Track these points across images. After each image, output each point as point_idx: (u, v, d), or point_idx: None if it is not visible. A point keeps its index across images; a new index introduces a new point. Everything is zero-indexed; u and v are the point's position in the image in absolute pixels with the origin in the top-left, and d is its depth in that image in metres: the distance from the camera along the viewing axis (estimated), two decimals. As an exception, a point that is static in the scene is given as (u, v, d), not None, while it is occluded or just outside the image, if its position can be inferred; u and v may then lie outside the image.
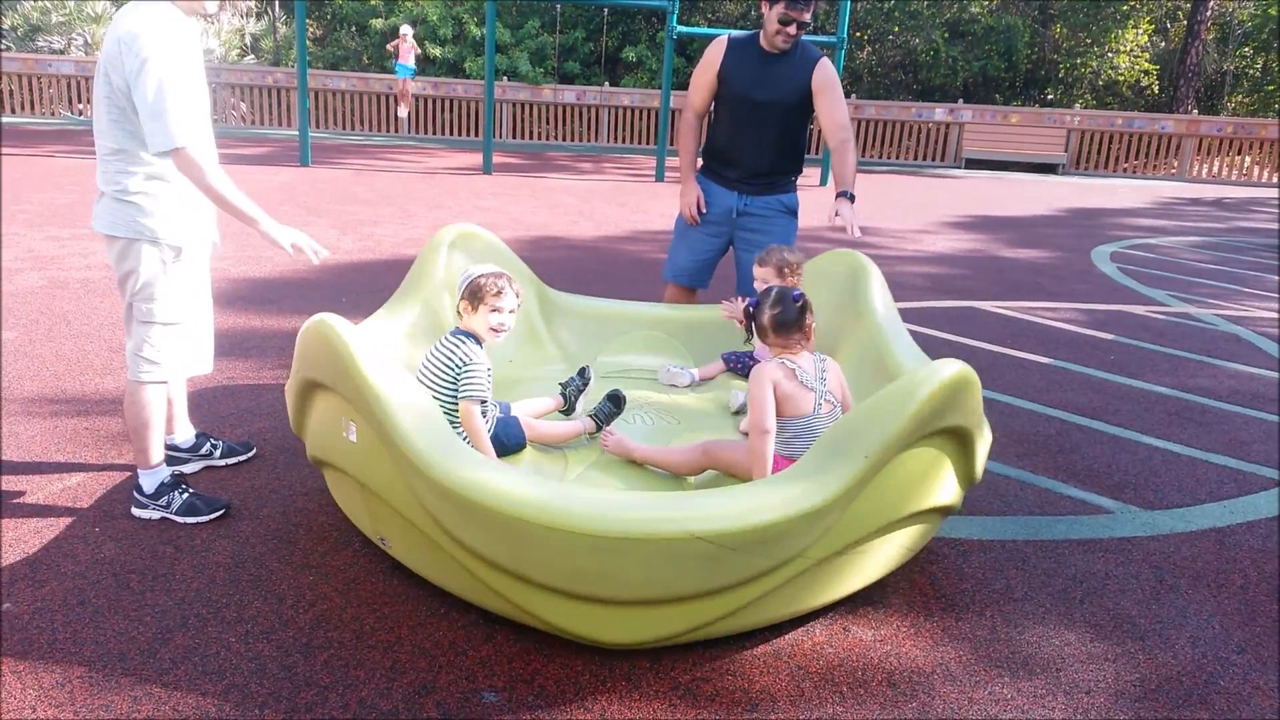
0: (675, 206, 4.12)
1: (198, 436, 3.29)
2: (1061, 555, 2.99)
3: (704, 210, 3.99)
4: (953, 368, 2.34)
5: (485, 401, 2.79)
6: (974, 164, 18.28)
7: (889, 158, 18.56)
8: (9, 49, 18.28)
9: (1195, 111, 21.10)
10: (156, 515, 2.88)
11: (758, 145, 3.87)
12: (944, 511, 2.67)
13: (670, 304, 4.17)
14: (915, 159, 18.54)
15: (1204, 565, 2.98)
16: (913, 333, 5.55)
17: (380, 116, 18.05)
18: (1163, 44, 23.02)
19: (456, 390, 2.75)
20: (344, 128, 18.07)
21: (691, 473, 2.81)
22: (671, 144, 13.70)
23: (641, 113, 18.36)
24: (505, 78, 18.65)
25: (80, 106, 16.98)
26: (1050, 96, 22.47)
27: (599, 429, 3.07)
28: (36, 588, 2.50)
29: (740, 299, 3.82)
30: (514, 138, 18.40)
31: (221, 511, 2.92)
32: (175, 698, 2.10)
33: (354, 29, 21.12)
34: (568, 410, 3.26)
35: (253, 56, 22.77)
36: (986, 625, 2.57)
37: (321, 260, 2.89)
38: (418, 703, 2.13)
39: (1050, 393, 4.64)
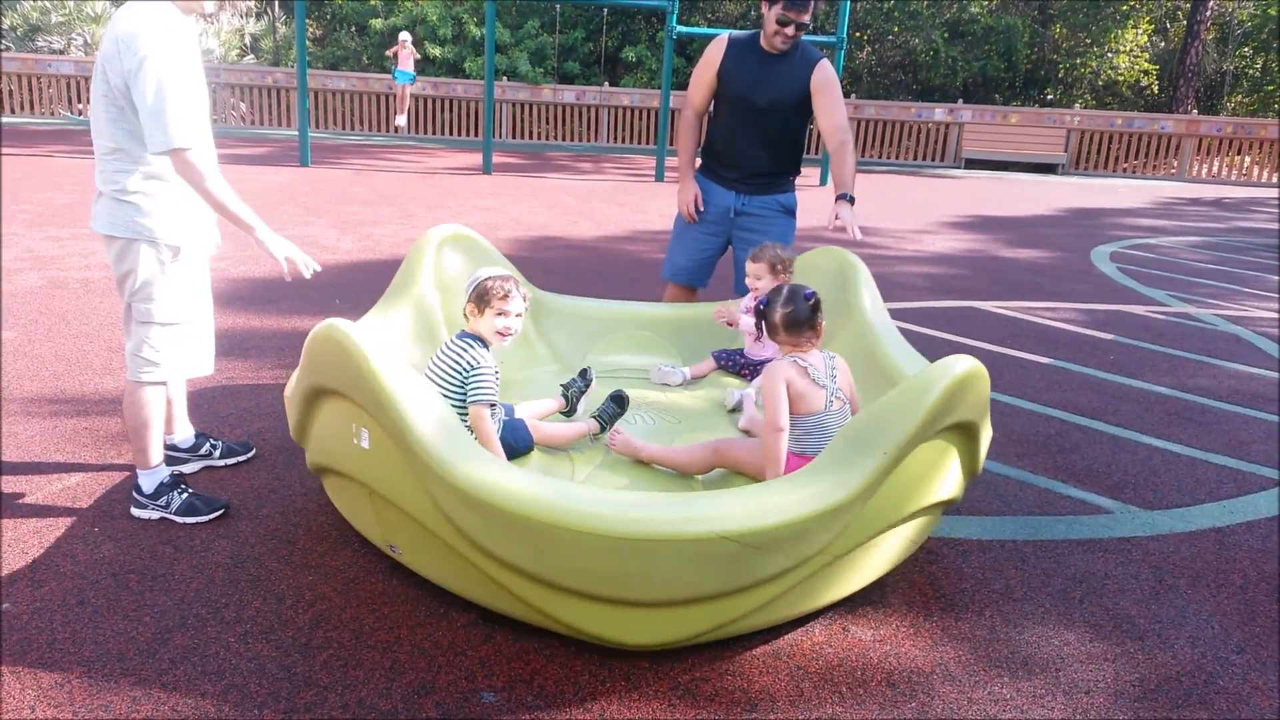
0: (675, 206, 4.12)
1: (197, 437, 3.29)
2: (1061, 555, 2.99)
3: (701, 209, 3.99)
4: (965, 364, 2.37)
5: (494, 405, 2.78)
6: (973, 164, 18.28)
7: (888, 158, 18.56)
8: (9, 49, 18.28)
9: (1195, 111, 21.10)
10: (156, 515, 2.88)
11: (756, 145, 3.87)
12: (947, 504, 2.70)
13: (656, 303, 4.18)
14: (915, 159, 18.54)
15: (1203, 565, 2.98)
16: (912, 332, 5.59)
17: (380, 117, 18.05)
18: (1162, 44, 23.03)
19: (464, 393, 2.74)
20: (344, 128, 18.07)
21: (700, 471, 2.81)
22: (671, 144, 13.70)
23: (641, 113, 18.37)
24: (505, 78, 18.65)
25: (80, 106, 16.97)
26: (1050, 96, 22.47)
27: (603, 430, 3.07)
28: (36, 588, 2.49)
29: (736, 304, 3.82)
30: (514, 138, 18.41)
31: (221, 511, 2.92)
32: (174, 698, 2.10)
33: (354, 29, 21.13)
34: (569, 411, 3.25)
35: (252, 56, 22.77)
36: (986, 625, 2.57)
37: (314, 270, 2.89)
38: (417, 703, 2.12)
39: (1050, 393, 4.64)
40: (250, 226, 2.76)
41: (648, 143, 18.21)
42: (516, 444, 2.83)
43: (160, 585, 2.54)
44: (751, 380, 3.63)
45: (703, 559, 2.08)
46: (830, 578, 2.40)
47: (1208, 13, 20.40)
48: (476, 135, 18.12)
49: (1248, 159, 18.23)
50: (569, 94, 18.36)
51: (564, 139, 18.56)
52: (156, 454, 2.90)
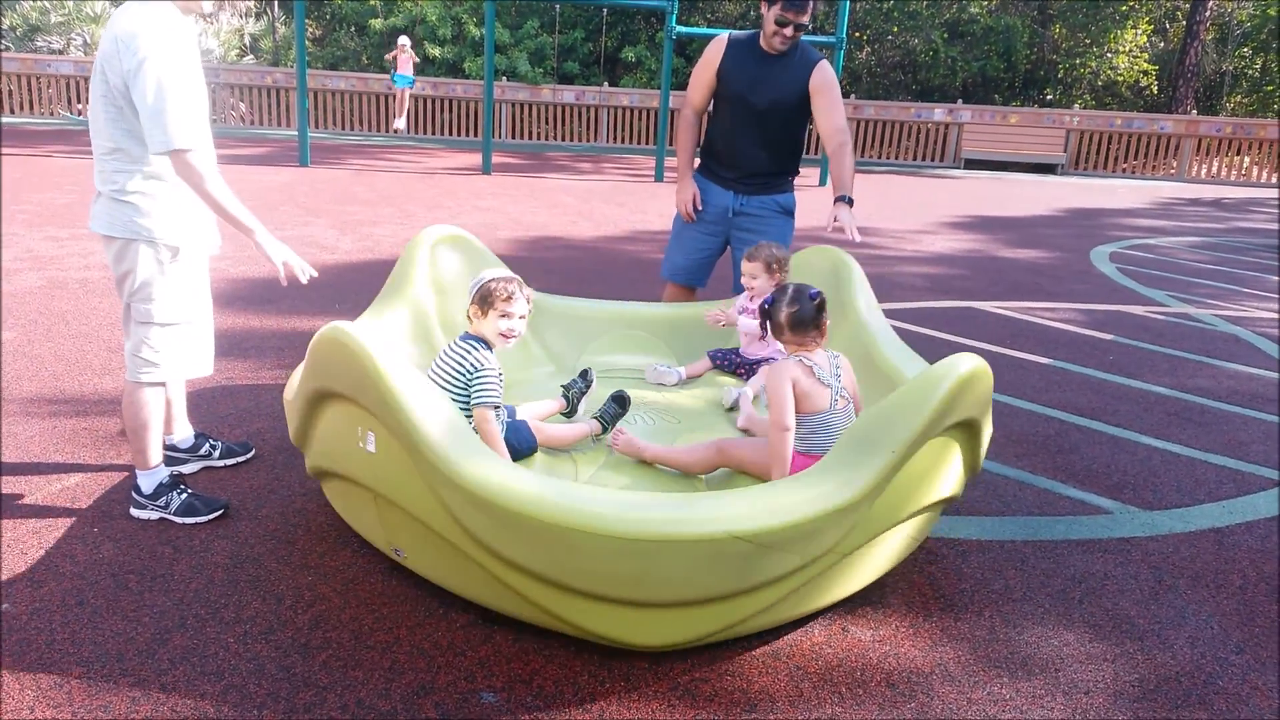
0: (674, 206, 4.12)
1: (197, 437, 3.29)
2: (1060, 555, 2.99)
3: (700, 208, 4.00)
4: (970, 362, 2.39)
5: (498, 407, 2.77)
6: (973, 164, 18.28)
7: (888, 158, 18.56)
8: (8, 49, 18.27)
9: (1194, 112, 21.11)
10: (155, 516, 2.88)
11: (754, 145, 3.87)
12: (948, 501, 2.72)
13: (650, 303, 4.18)
14: (914, 159, 18.55)
15: (1203, 565, 2.98)
16: (912, 333, 5.59)
17: (379, 117, 18.05)
18: (1162, 44, 23.04)
19: (468, 395, 2.72)
20: (343, 128, 18.07)
21: (704, 471, 2.81)
22: (671, 144, 13.70)
23: (640, 113, 18.37)
24: (504, 78, 18.66)
25: (79, 107, 16.97)
26: (1049, 97, 22.48)
27: (605, 430, 3.06)
28: (35, 588, 2.49)
29: (731, 304, 3.82)
30: (513, 138, 18.41)
31: (220, 512, 2.92)
32: (173, 698, 2.10)
33: (353, 29, 21.12)
34: (570, 412, 3.25)
35: (252, 57, 22.77)
36: (985, 625, 2.57)
37: (314, 266, 2.93)
38: (416, 703, 2.12)
39: (1049, 393, 4.64)
40: (249, 229, 2.76)
41: (647, 143, 18.21)
42: (520, 445, 2.82)
43: (159, 586, 2.54)
44: (748, 379, 3.64)
45: (715, 559, 2.09)
46: (837, 576, 2.41)
47: (1207, 13, 20.40)
48: (476, 135, 18.12)
49: (1247, 159, 18.24)
50: (568, 94, 18.36)
51: (563, 139, 18.56)
52: (156, 454, 2.90)
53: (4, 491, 3.02)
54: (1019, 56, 20.91)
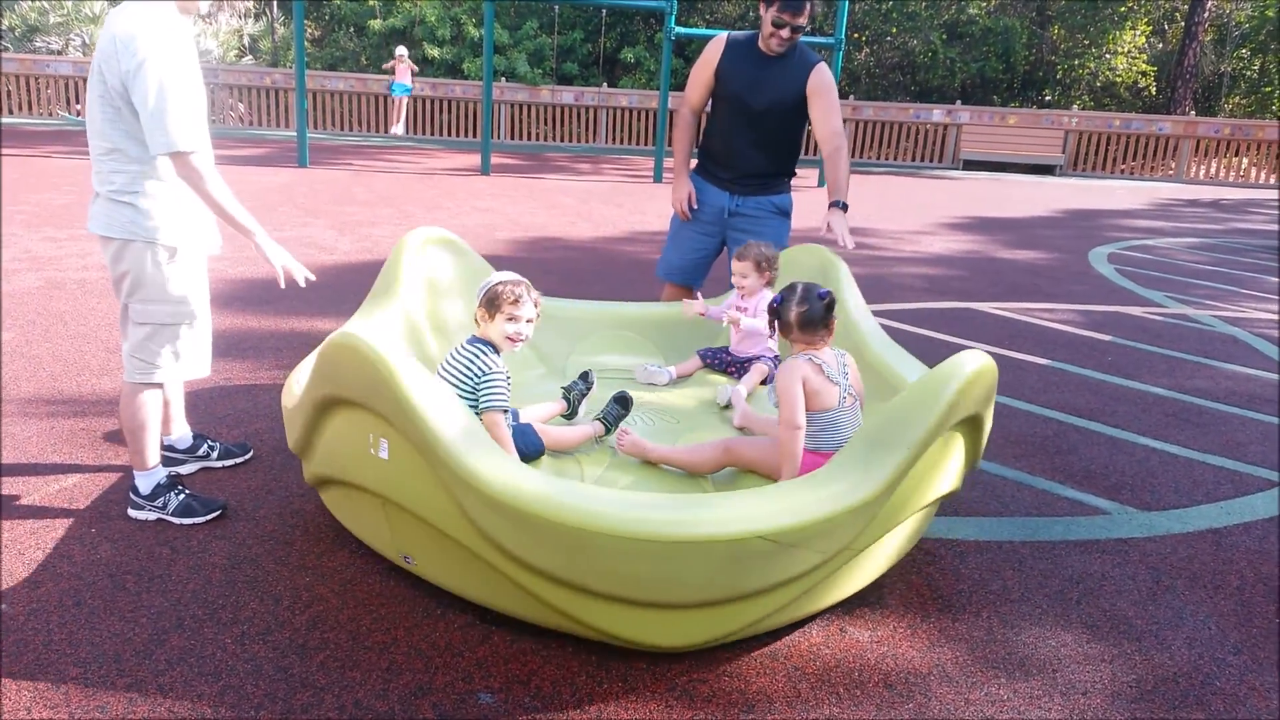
0: (671, 206, 4.12)
1: (195, 438, 3.29)
2: (1058, 556, 3.00)
3: (695, 207, 4.00)
4: (979, 359, 2.42)
5: (507, 410, 2.76)
6: (971, 165, 18.30)
7: (887, 159, 18.58)
8: (7, 49, 18.27)
9: (1192, 113, 21.13)
10: (153, 516, 2.88)
11: (751, 146, 3.87)
12: (948, 496, 2.75)
13: (637, 302, 4.19)
14: (913, 160, 18.56)
15: (1200, 566, 2.98)
16: (910, 334, 5.59)
17: (378, 118, 18.05)
18: (1160, 45, 23.06)
19: (475, 399, 2.70)
20: (342, 129, 18.07)
21: (711, 470, 2.81)
22: (669, 145, 13.70)
23: (639, 114, 18.38)
24: (503, 79, 18.66)
25: (78, 107, 16.96)
26: (1048, 98, 22.50)
27: (608, 431, 3.06)
28: (32, 589, 2.49)
29: (720, 302, 3.83)
30: (512, 139, 18.41)
31: (218, 513, 2.92)
32: (171, 699, 2.09)
33: (352, 30, 21.13)
34: (570, 414, 3.24)
35: (251, 57, 22.77)
36: (983, 626, 2.57)
37: (313, 267, 2.91)
38: (414, 704, 2.12)
39: (1047, 394, 4.64)
40: (249, 231, 2.79)
41: (646, 144, 18.22)
42: (527, 449, 2.79)
43: (157, 586, 2.54)
44: (739, 377, 3.64)
45: (738, 559, 2.10)
46: (848, 572, 2.44)
47: (1205, 14, 20.43)
48: (475, 136, 18.12)
49: (1245, 160, 18.26)
50: (567, 95, 18.36)
51: (562, 140, 18.57)
52: (153, 455, 2.90)
53: (2, 492, 3.01)
54: (1017, 57, 20.93)
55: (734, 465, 2.79)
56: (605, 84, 19.64)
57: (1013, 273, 7.91)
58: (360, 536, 2.74)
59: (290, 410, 2.80)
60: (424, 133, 18.20)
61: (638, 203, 11.05)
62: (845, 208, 3.73)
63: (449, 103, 18.17)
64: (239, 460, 3.33)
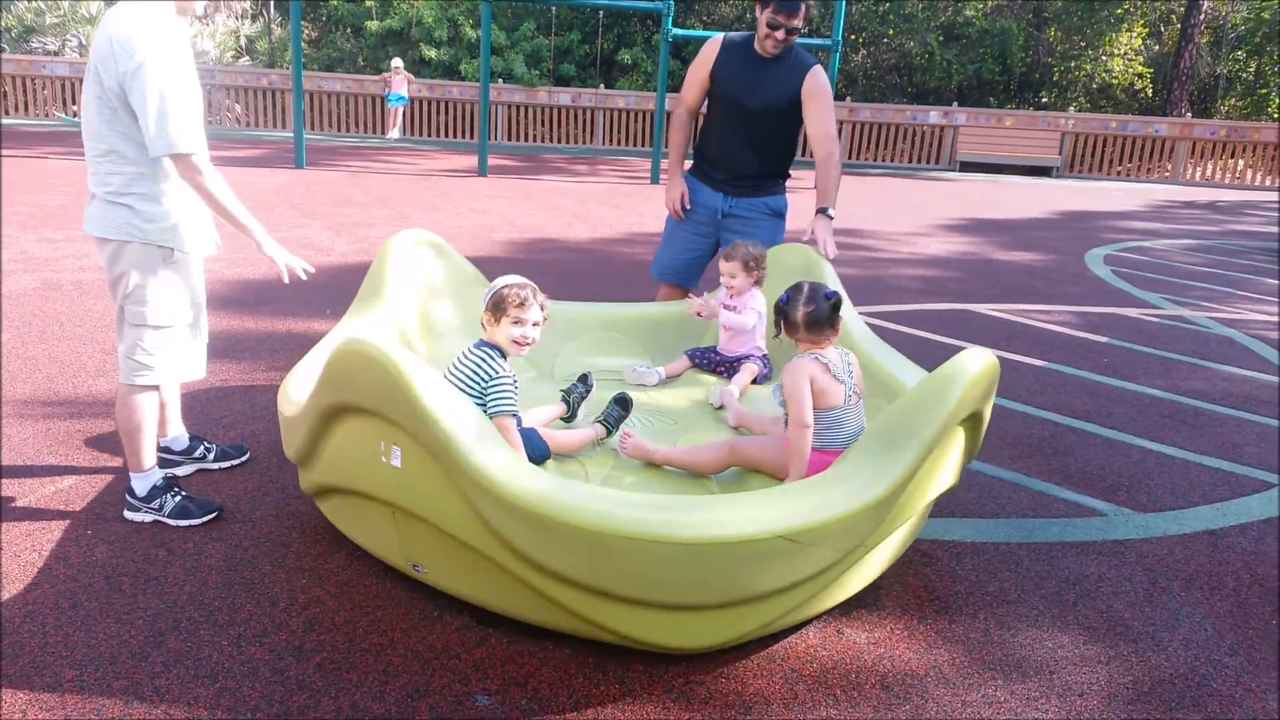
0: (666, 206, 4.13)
1: (191, 439, 3.28)
2: (1055, 558, 3.00)
3: (688, 207, 4.00)
4: (983, 357, 2.45)
5: (515, 415, 2.74)
6: (968, 167, 18.32)
7: (883, 160, 18.60)
8: (4, 50, 18.24)
9: (1189, 115, 21.18)
10: (149, 518, 2.88)
11: (745, 148, 3.87)
12: (948, 491, 2.78)
13: (623, 303, 4.19)
14: (909, 162, 18.58)
15: (1197, 568, 2.99)
16: (907, 335, 5.60)
17: (375, 119, 18.05)
18: (1156, 47, 23.11)
19: (483, 403, 2.67)
20: (339, 130, 18.06)
21: (716, 471, 2.81)
22: (666, 146, 13.70)
23: (637, 115, 18.39)
24: (500, 80, 18.66)
25: (74, 108, 16.94)
26: (1044, 99, 22.53)
27: (609, 433, 3.05)
28: (28, 590, 2.49)
29: (713, 297, 3.83)
30: (509, 140, 18.41)
31: (214, 514, 2.91)
32: (167, 701, 2.09)
33: (349, 31, 21.11)
34: (569, 417, 3.24)
35: (248, 58, 22.74)
36: (980, 628, 2.57)
37: (309, 271, 3.01)
38: (410, 706, 2.12)
39: (1044, 395, 4.65)
40: (251, 231, 2.82)
41: (643, 145, 18.22)
42: (533, 453, 2.77)
43: (153, 588, 2.53)
44: (728, 376, 3.64)
45: (760, 560, 2.11)
46: (854, 571, 2.46)
47: (1201, 16, 20.47)
48: (472, 137, 18.12)
49: (1241, 162, 18.30)
50: (564, 96, 18.37)
51: (559, 141, 18.57)
52: (149, 457, 2.89)
53: (-3, 494, 3.01)
54: (1014, 59, 20.96)
55: (739, 465, 2.80)
56: (602, 85, 19.64)
57: (1009, 274, 7.92)
58: (364, 545, 2.71)
59: (290, 419, 2.74)
60: (421, 134, 18.20)
61: (635, 204, 11.05)
62: (831, 215, 3.74)
63: (446, 104, 18.17)
64: (235, 462, 3.33)
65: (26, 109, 16.80)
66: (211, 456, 3.28)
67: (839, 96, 19.92)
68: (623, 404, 3.12)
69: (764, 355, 3.68)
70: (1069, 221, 11.72)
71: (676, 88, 15.73)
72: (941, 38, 20.75)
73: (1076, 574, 2.90)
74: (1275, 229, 12.07)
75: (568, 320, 4.02)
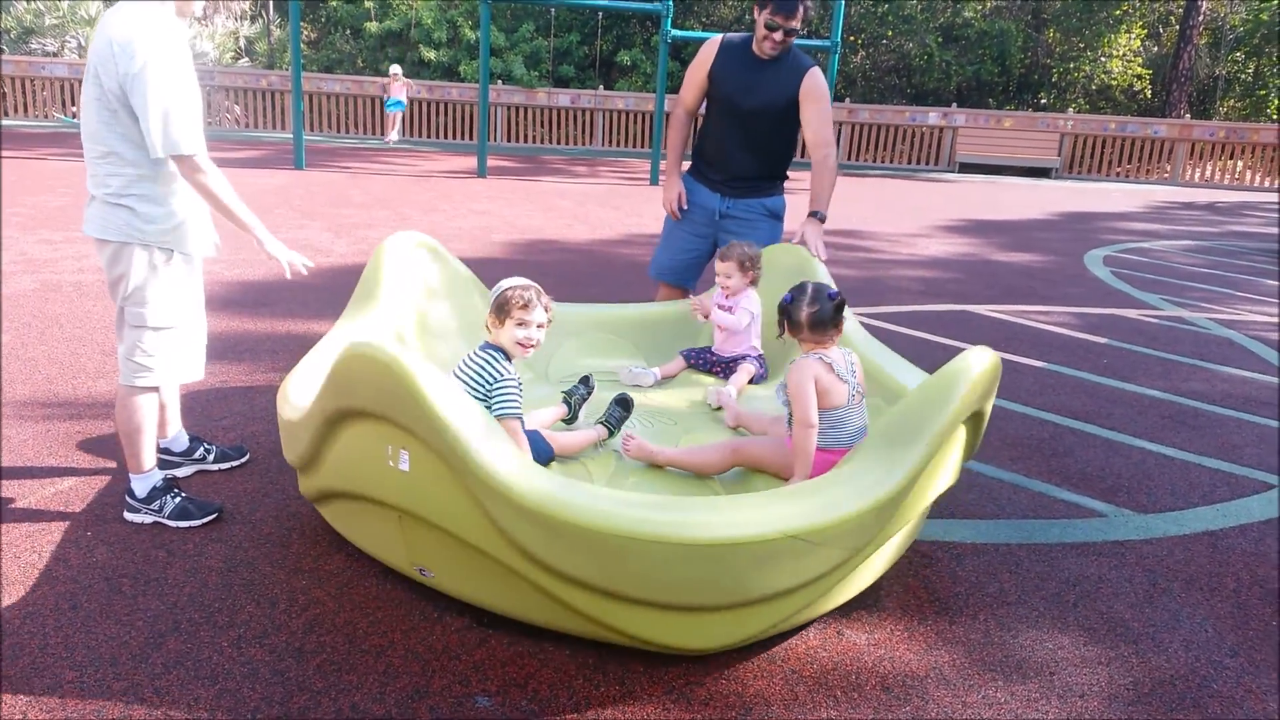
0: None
1: (191, 440, 3.28)
2: (1055, 559, 3.00)
3: (685, 207, 4.01)
4: (986, 356, 2.47)
5: (521, 417, 2.74)
6: (967, 168, 18.33)
7: (882, 161, 18.60)
8: (3, 51, 18.24)
9: (1188, 116, 21.20)
10: (149, 519, 2.87)
11: (742, 149, 3.88)
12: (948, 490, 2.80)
13: (617, 304, 4.19)
14: (909, 163, 18.59)
15: (1197, 569, 2.99)
16: (906, 336, 5.60)
17: (375, 120, 18.05)
18: (1155, 48, 23.12)
19: (488, 405, 2.65)
20: (339, 131, 18.06)
21: (719, 471, 2.81)
22: (665, 147, 13.70)
23: (636, 116, 18.40)
24: (500, 81, 18.66)
25: (74, 109, 16.95)
26: (1043, 100, 22.54)
27: (611, 434, 3.05)
28: (28, 592, 2.48)
29: (710, 296, 3.83)
30: (508, 141, 18.42)
31: (214, 516, 2.91)
32: (167, 703, 2.09)
33: (348, 32, 21.11)
34: (570, 419, 3.23)
35: (247, 59, 22.74)
36: (980, 629, 2.57)
37: (310, 263, 3.05)
38: (411, 707, 2.12)
39: (1044, 396, 4.65)
40: (252, 229, 2.84)
41: (642, 146, 18.23)
42: (538, 455, 2.75)
43: (153, 590, 2.53)
44: (724, 376, 3.64)
45: (771, 560, 2.12)
46: (862, 569, 2.47)
47: (1200, 17, 20.49)
48: (471, 139, 18.12)
49: (1240, 163, 18.31)
50: (564, 97, 18.37)
51: (559, 142, 18.58)
52: (149, 458, 2.89)
53: (-3, 495, 3.01)
54: (1013, 60, 20.98)
55: (742, 465, 2.80)
56: (601, 86, 19.65)
57: (1008, 275, 7.93)
58: (368, 550, 2.70)
59: (292, 423, 2.72)
60: (420, 135, 18.20)
61: (634, 205, 11.05)
62: (823, 219, 3.74)
63: (445, 105, 18.17)
64: (235, 463, 3.32)
65: (26, 110, 16.80)
66: (211, 458, 3.28)
67: (838, 98, 19.94)
68: (624, 405, 3.12)
69: (760, 355, 3.68)
70: (1068, 222, 11.73)
71: (675, 89, 15.75)
72: (940, 39, 20.76)
73: (1076, 575, 2.90)
74: (1274, 230, 12.08)
75: (562, 321, 4.02)
